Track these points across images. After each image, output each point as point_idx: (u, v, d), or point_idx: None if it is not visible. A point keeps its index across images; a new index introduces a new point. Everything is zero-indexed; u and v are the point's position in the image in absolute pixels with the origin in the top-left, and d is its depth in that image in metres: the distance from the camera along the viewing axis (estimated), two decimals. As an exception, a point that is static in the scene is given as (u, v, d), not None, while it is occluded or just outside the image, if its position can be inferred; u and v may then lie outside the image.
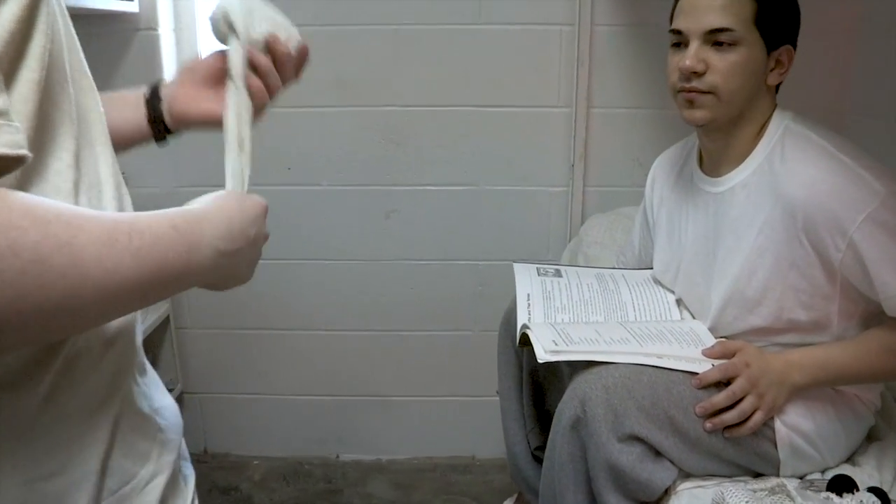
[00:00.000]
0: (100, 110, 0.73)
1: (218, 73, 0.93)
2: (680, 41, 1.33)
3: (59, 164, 0.64)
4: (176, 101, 0.95)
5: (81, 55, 0.71)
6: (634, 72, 2.15)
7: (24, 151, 0.53)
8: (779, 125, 1.32)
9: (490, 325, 2.25)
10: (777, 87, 1.36)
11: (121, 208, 0.73)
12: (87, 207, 0.65)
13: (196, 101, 0.95)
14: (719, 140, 1.37)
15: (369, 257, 2.30)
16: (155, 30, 2.14)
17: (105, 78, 2.09)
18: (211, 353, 2.39)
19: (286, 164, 2.21)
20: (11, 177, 0.54)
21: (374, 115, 2.18)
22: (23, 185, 0.59)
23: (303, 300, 2.33)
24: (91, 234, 0.56)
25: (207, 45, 2.27)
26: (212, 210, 0.72)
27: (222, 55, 0.93)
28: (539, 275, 1.56)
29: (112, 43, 2.13)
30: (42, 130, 0.62)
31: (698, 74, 1.29)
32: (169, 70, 2.20)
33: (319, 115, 2.18)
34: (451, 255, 2.29)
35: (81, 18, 2.03)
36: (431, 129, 2.20)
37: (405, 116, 2.19)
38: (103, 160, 0.71)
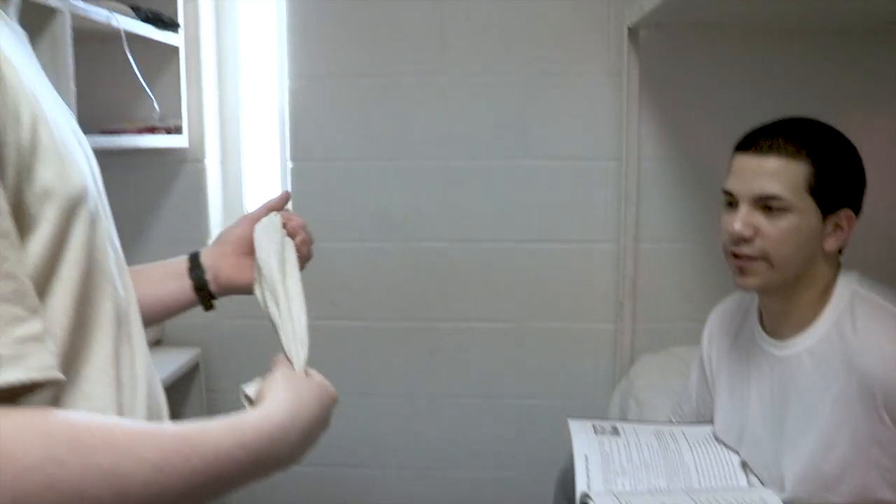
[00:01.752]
0: (136, 306, 0.71)
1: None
2: (731, 201, 1.30)
3: (97, 372, 0.62)
4: (221, 271, 0.98)
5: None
6: (682, 205, 2.13)
7: (56, 374, 0.52)
8: (845, 289, 1.26)
9: (535, 466, 2.17)
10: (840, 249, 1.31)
11: (154, 405, 0.71)
12: (124, 406, 0.64)
13: (240, 271, 0.97)
14: (778, 303, 1.31)
15: (412, 393, 2.24)
16: (202, 161, 2.17)
17: (153, 207, 2.16)
18: None
19: (330, 297, 2.19)
20: (49, 394, 0.53)
21: (419, 250, 2.17)
22: (58, 397, 0.56)
23: (345, 435, 2.26)
24: (141, 459, 0.54)
25: (251, 175, 2.30)
26: (286, 422, 0.69)
27: (252, 221, 0.97)
28: (596, 433, 1.49)
29: (162, 174, 2.16)
30: (79, 339, 0.60)
31: (747, 240, 1.25)
32: (215, 199, 2.23)
33: (364, 249, 2.17)
34: (495, 392, 2.22)
35: (132, 154, 2.10)
36: (477, 264, 2.17)
37: (450, 251, 2.17)
38: (139, 357, 0.69)
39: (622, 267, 2.13)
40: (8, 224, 0.52)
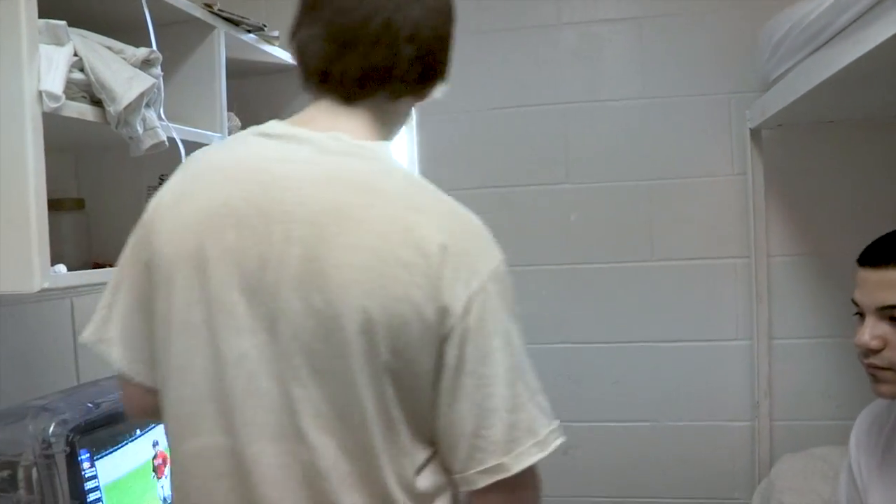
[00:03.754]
0: None
1: None
2: (859, 311, 1.30)
3: None
4: None
5: None
6: (817, 301, 2.11)
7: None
8: None
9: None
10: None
11: None
12: None
13: None
14: None
15: (546, 493, 2.25)
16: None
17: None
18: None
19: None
20: None
21: (550, 352, 2.22)
22: None
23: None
24: None
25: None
26: None
27: None
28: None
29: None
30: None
31: (876, 351, 1.24)
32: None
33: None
34: (628, 492, 2.21)
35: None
36: (608, 365, 2.20)
37: (581, 353, 2.22)
38: None
39: (756, 364, 2.11)
40: None
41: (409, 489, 0.89)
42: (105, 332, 0.99)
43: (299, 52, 0.99)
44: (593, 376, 2.21)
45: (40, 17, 1.13)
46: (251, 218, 0.88)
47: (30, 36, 1.10)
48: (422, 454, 0.90)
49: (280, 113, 2.12)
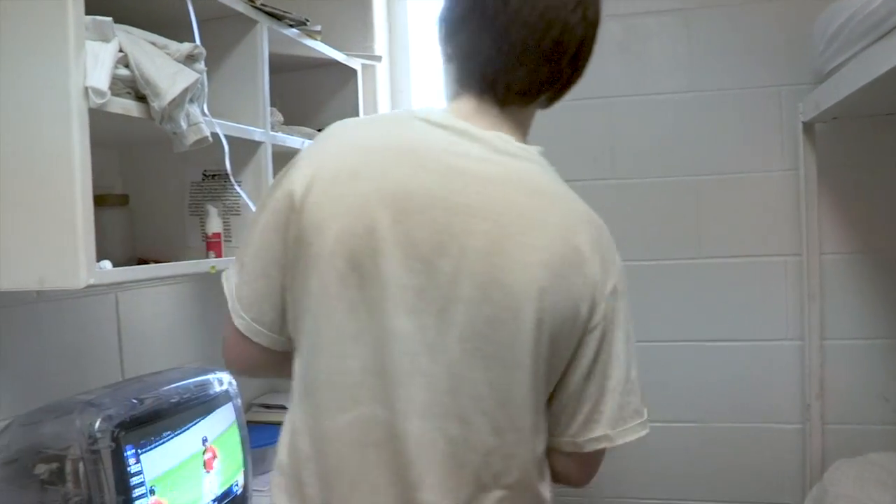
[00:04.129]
0: None
1: None
2: None
3: None
4: None
5: None
6: (871, 300, 2.06)
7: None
8: None
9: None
10: None
11: None
12: None
13: None
14: None
15: (589, 493, 2.22)
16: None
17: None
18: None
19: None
20: None
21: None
22: None
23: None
24: None
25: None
26: None
27: None
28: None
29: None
30: None
31: None
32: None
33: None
34: (673, 494, 2.18)
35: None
36: (653, 364, 2.15)
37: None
38: None
39: (808, 365, 2.05)
40: None
41: (538, 461, 1.01)
42: (239, 291, 1.03)
43: (462, 52, 1.02)
44: (641, 376, 2.16)
45: (87, 13, 1.13)
46: (431, 206, 0.92)
47: (76, 32, 1.10)
48: (545, 429, 1.02)
49: (323, 108, 2.14)
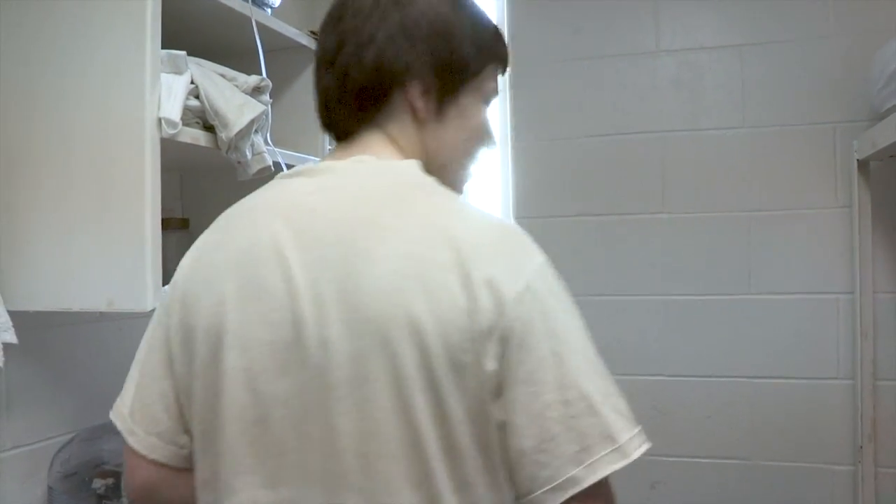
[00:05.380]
0: None
1: None
2: None
3: None
4: None
5: None
6: (924, 341, 2.01)
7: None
8: None
9: None
10: None
11: None
12: None
13: None
14: None
15: (632, 528, 2.21)
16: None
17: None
18: None
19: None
20: None
21: (642, 384, 2.19)
22: None
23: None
24: None
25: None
26: None
27: None
28: None
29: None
30: None
31: None
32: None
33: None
34: (724, 533, 2.15)
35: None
36: (701, 399, 2.15)
37: (674, 386, 2.17)
38: None
39: (860, 406, 2.02)
40: None
41: None
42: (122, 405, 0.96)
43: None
44: (685, 410, 2.16)
45: (163, 46, 1.18)
46: (282, 252, 0.85)
47: (153, 66, 1.16)
48: (498, 494, 0.82)
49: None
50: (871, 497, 1.99)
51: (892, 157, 1.96)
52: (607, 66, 2.25)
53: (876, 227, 2.03)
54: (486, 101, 1.01)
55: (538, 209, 2.28)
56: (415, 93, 0.93)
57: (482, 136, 1.01)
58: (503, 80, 2.26)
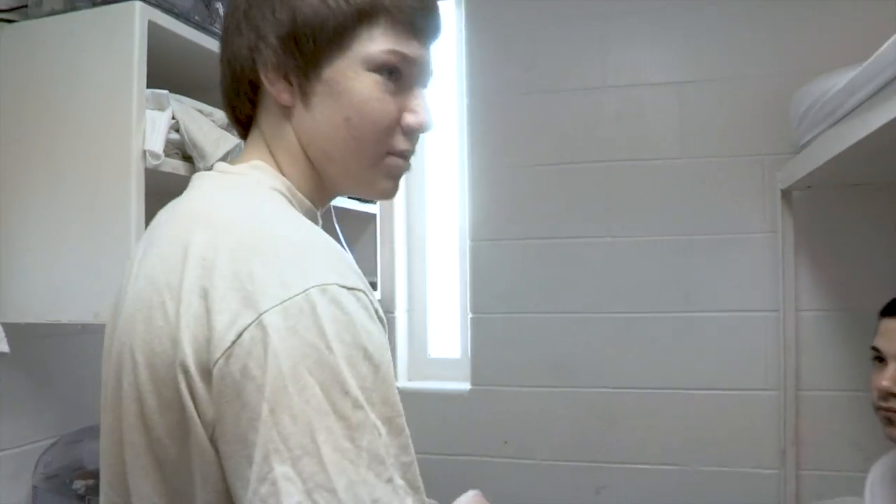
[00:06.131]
0: None
1: None
2: (879, 356, 1.41)
3: None
4: None
5: None
6: (844, 355, 2.19)
7: None
8: None
9: None
10: None
11: None
12: None
13: None
14: None
15: (579, 530, 2.35)
16: (392, 313, 2.47)
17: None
18: None
19: (503, 437, 2.39)
20: None
21: (588, 396, 2.34)
22: None
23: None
24: None
25: (435, 326, 2.57)
26: None
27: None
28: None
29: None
30: None
31: (894, 395, 1.34)
32: (402, 347, 2.50)
33: (537, 394, 2.37)
34: (659, 534, 2.30)
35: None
36: (643, 410, 2.30)
37: (618, 398, 2.33)
38: None
39: (784, 414, 2.19)
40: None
41: None
42: None
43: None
44: (628, 420, 2.31)
45: (147, 85, 1.32)
46: (131, 271, 0.80)
47: (139, 103, 1.29)
48: None
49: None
50: (792, 495, 2.16)
51: (809, 187, 2.15)
52: (558, 99, 2.41)
53: (798, 251, 2.20)
54: (380, 70, 0.79)
55: (493, 232, 2.43)
56: (271, 78, 0.80)
57: (379, 114, 0.80)
58: (461, 110, 2.42)
